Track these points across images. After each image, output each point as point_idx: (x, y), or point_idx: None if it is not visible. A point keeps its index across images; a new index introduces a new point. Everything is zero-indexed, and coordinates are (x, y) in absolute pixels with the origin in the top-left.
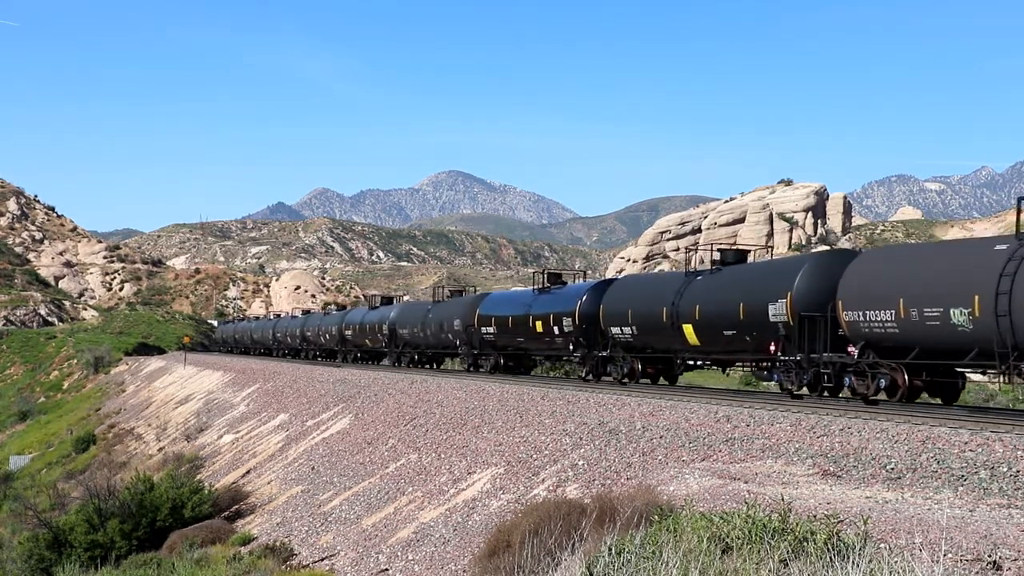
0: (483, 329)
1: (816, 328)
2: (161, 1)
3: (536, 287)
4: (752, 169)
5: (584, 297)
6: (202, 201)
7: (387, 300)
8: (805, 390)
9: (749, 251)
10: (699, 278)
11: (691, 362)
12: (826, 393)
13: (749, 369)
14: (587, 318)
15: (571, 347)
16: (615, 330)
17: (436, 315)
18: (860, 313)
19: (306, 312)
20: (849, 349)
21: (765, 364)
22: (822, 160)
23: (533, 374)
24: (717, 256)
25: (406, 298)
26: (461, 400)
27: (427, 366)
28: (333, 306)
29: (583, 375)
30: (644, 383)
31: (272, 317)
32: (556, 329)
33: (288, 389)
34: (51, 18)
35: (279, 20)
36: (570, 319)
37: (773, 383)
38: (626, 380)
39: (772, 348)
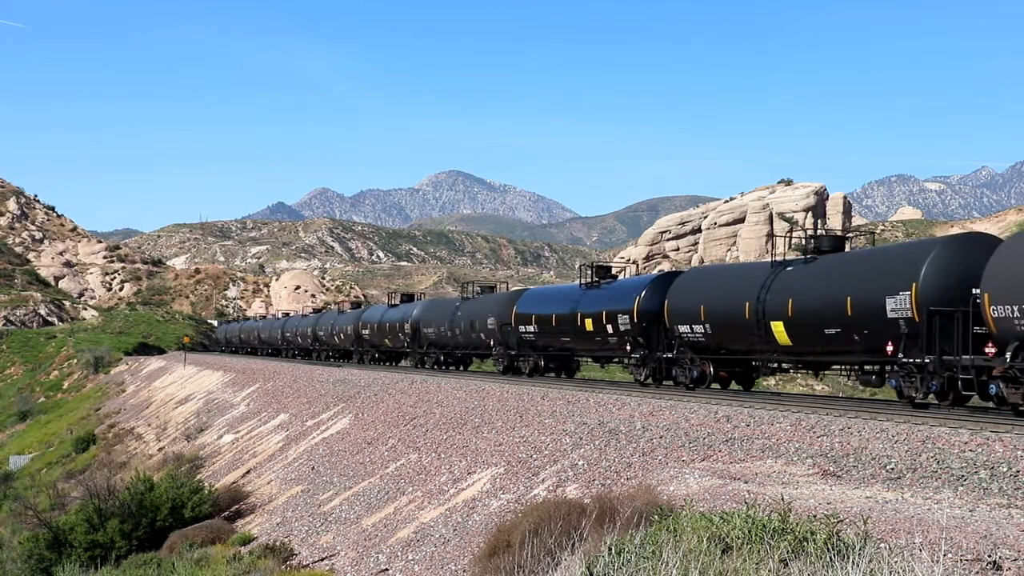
0: (521, 328)
1: (950, 326)
2: (161, 1)
3: (583, 282)
4: (752, 169)
5: (644, 292)
6: (202, 201)
7: (408, 297)
8: (932, 398)
9: (846, 237)
10: (789, 269)
11: (776, 365)
12: (951, 401)
13: (850, 373)
14: (648, 315)
15: (628, 347)
16: (683, 329)
17: (466, 313)
18: (1016, 308)
19: (317, 311)
20: (988, 350)
21: (876, 368)
22: (822, 160)
23: (578, 377)
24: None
25: (346, 305)
26: (461, 400)
27: (452, 368)
28: (347, 304)
29: (640, 379)
30: (714, 388)
31: (280, 316)
32: (610, 328)
33: (288, 389)
34: (51, 18)
35: (279, 20)
36: (627, 316)
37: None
38: (693, 385)
39: (889, 349)
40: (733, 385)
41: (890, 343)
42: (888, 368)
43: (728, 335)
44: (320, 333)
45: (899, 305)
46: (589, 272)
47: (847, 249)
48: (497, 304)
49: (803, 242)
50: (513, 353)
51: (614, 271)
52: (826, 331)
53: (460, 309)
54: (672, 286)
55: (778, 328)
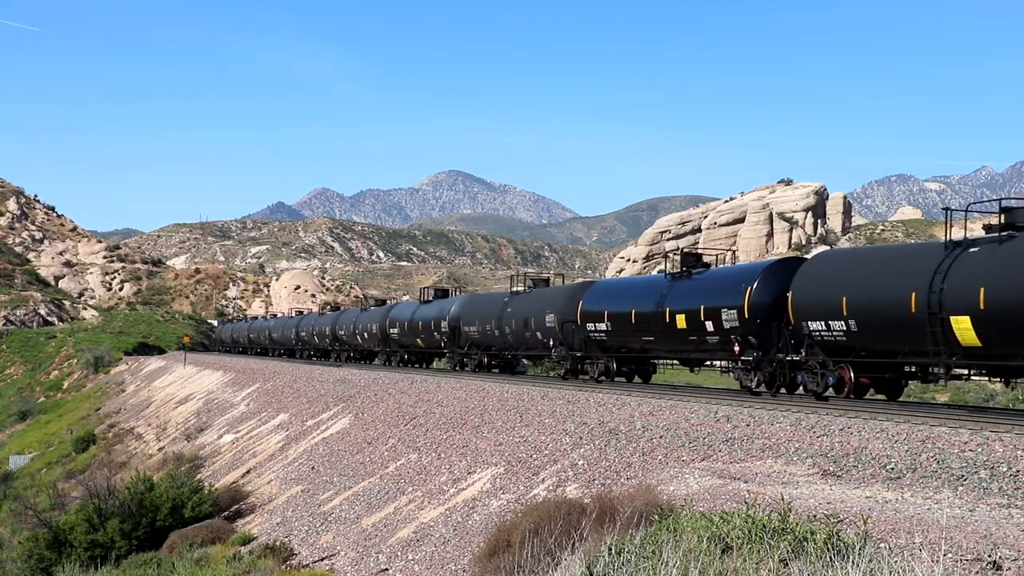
0: (590, 326)
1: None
2: (161, 1)
3: (669, 272)
4: (752, 169)
5: (756, 282)
6: (202, 201)
7: (442, 292)
8: None
9: None
10: (974, 249)
11: (947, 371)
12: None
13: None
14: (762, 310)
15: (735, 348)
16: (815, 326)
17: (518, 309)
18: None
19: (335, 308)
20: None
21: None
22: (822, 160)
23: (657, 382)
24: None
25: (405, 298)
26: (461, 400)
27: (496, 370)
28: (371, 301)
29: (751, 385)
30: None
31: (294, 314)
32: (709, 325)
33: (288, 389)
34: (50, 18)
35: (279, 20)
36: (734, 311)
37: None
38: (828, 394)
39: None
40: (872, 393)
41: None
42: None
43: (881, 333)
44: (341, 332)
45: None
46: (677, 262)
47: None
48: (558, 299)
49: (803, 242)
50: (579, 355)
51: (705, 259)
52: None
53: (510, 305)
54: (798, 274)
55: (962, 325)
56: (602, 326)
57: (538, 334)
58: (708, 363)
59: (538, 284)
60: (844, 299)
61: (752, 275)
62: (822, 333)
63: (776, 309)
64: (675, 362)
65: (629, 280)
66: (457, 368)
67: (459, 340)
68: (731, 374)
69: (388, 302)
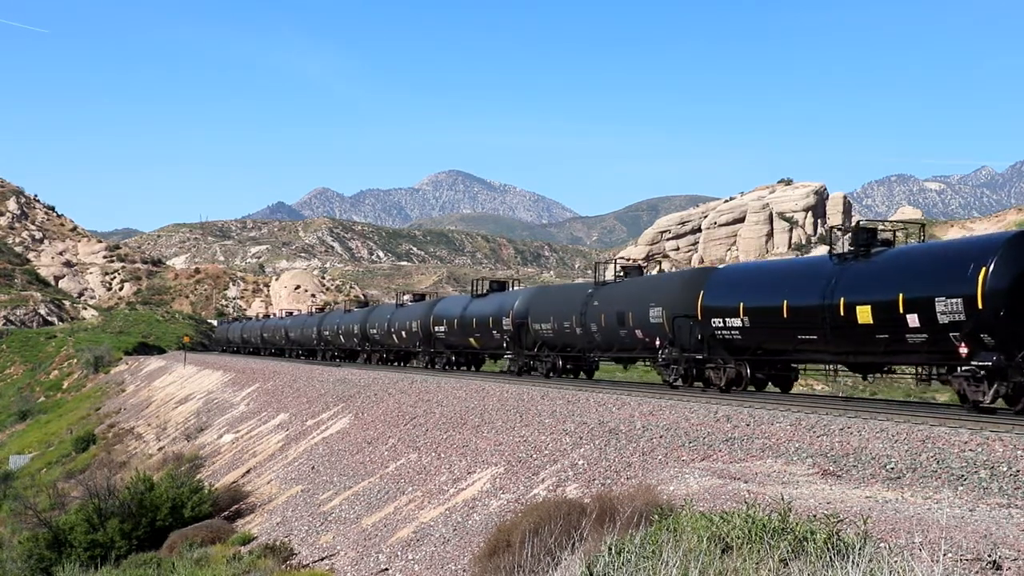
0: (716, 322)
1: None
2: (161, 1)
3: (835, 253)
4: (752, 169)
5: (993, 262)
6: (202, 201)
7: (499, 285)
8: None
9: None
10: None
11: None
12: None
13: None
14: (998, 298)
15: (962, 349)
16: None
17: (607, 303)
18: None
19: (362, 305)
20: None
21: None
22: (822, 160)
23: (799, 391)
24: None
25: (406, 297)
26: (461, 400)
27: (570, 374)
28: (407, 296)
29: (985, 401)
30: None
31: (315, 312)
32: (912, 320)
33: (288, 389)
34: (50, 18)
35: (279, 20)
36: (956, 301)
37: None
38: None
39: None
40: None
41: None
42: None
43: None
44: (372, 331)
45: None
46: (851, 238)
47: None
48: (668, 289)
49: (803, 242)
50: (700, 357)
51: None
52: None
53: (596, 297)
54: None
55: None
56: (735, 322)
57: (637, 332)
58: (890, 368)
59: (630, 273)
60: None
61: (984, 251)
62: None
63: (1018, 297)
64: (843, 367)
65: (772, 264)
66: (522, 373)
67: (525, 340)
68: (954, 384)
69: (428, 297)
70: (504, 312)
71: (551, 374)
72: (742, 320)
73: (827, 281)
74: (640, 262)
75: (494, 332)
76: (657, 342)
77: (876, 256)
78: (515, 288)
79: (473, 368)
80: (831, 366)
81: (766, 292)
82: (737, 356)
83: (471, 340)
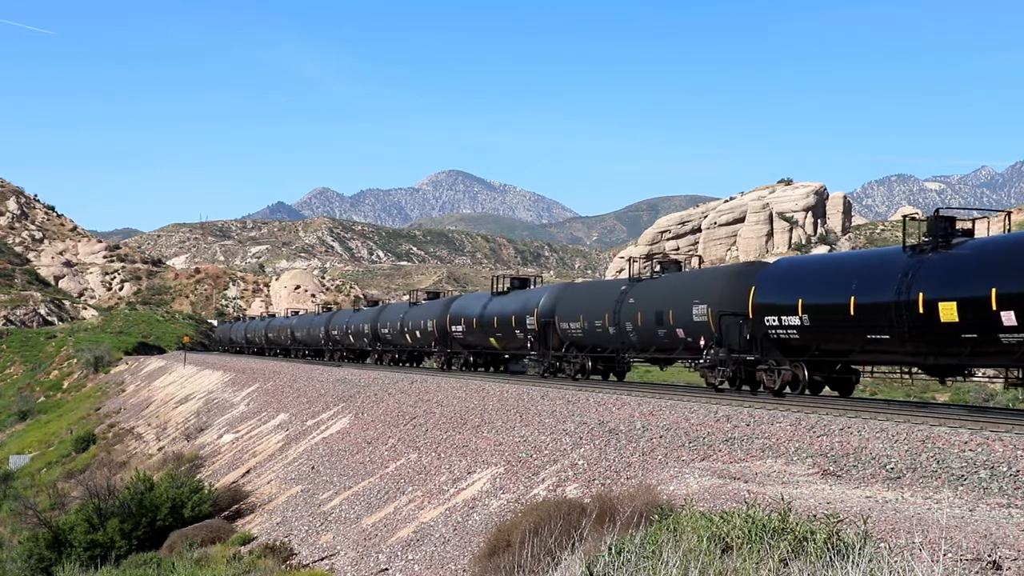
0: (770, 321)
1: None
2: (161, 1)
3: (909, 244)
4: (752, 169)
5: None
6: (202, 201)
7: (520, 283)
8: None
9: None
10: None
11: None
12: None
13: None
14: None
15: None
16: None
17: (643, 300)
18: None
19: (373, 303)
20: None
21: None
22: (822, 160)
23: (860, 395)
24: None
25: (405, 297)
26: (461, 400)
27: (599, 376)
28: (421, 294)
29: None
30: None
31: (322, 311)
32: (1006, 318)
33: (288, 389)
34: (50, 18)
35: (278, 20)
36: None
37: None
38: None
39: None
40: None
41: None
42: None
43: None
44: (384, 331)
45: None
46: (929, 225)
47: None
48: (713, 285)
49: (803, 242)
50: (751, 359)
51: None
52: None
53: (632, 294)
54: None
55: None
56: (791, 320)
57: (679, 331)
58: (971, 370)
59: (668, 268)
60: None
61: None
62: None
63: None
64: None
65: (835, 257)
66: (547, 375)
67: (551, 340)
68: None
69: (443, 295)
70: (528, 310)
71: (579, 375)
72: (800, 318)
73: (902, 275)
74: (677, 256)
75: (517, 332)
76: (701, 342)
77: (958, 247)
78: (538, 285)
79: (492, 369)
80: (904, 368)
81: (829, 288)
82: (793, 357)
83: (491, 340)
